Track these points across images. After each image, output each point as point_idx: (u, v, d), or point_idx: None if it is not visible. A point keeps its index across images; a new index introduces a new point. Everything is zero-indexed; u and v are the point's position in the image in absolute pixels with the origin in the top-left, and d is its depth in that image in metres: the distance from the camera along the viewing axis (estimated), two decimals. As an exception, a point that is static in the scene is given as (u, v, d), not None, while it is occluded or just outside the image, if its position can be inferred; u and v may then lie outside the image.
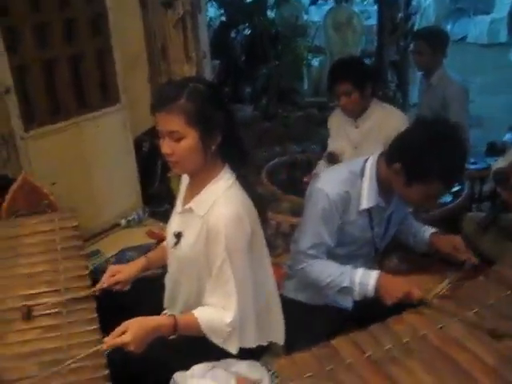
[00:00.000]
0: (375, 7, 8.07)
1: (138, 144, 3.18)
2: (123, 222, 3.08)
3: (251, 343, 1.58)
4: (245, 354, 1.56)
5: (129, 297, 1.77)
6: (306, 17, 6.66)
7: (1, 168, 2.63)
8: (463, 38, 8.89)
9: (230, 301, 1.49)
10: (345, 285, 1.78)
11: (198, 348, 1.53)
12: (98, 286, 1.70)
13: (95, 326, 1.55)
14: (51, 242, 1.91)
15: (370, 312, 1.77)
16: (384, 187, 1.81)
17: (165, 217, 3.27)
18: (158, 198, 3.25)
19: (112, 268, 1.76)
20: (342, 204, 1.79)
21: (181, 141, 1.48)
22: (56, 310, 1.61)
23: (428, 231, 1.98)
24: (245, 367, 1.54)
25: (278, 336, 1.70)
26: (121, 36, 2.91)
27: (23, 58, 2.51)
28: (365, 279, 1.76)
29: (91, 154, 2.89)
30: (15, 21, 2.46)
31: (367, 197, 1.80)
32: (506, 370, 1.26)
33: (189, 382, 1.47)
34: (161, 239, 2.94)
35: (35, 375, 1.36)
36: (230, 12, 5.05)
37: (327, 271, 1.81)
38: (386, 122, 2.55)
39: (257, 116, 4.95)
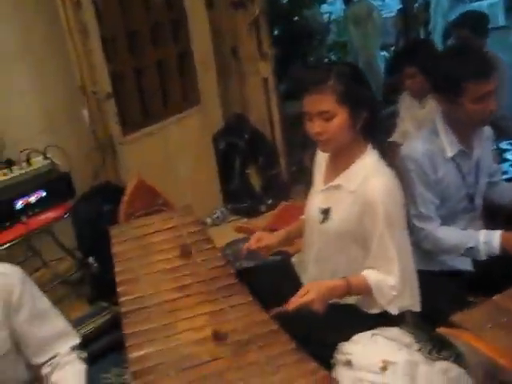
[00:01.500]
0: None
1: (214, 143, 3.24)
2: (209, 220, 3.14)
3: (414, 307, 1.64)
4: (387, 321, 1.61)
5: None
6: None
7: (94, 174, 2.69)
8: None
9: (392, 266, 1.56)
10: (470, 245, 1.83)
11: (349, 320, 1.60)
12: (245, 248, 1.78)
13: (258, 307, 1.58)
14: (179, 237, 1.94)
15: (490, 274, 1.80)
16: (459, 130, 1.87)
17: (246, 213, 3.37)
18: (237, 194, 3.30)
19: (258, 234, 1.83)
20: (429, 160, 1.86)
21: (332, 120, 1.56)
22: (211, 298, 1.64)
23: None
24: (396, 332, 1.61)
25: (416, 304, 1.74)
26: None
27: (118, 66, 2.59)
28: (489, 238, 1.81)
29: (176, 156, 2.96)
30: (110, 29, 2.55)
31: (449, 145, 1.87)
32: None
33: (354, 348, 1.53)
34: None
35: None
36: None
37: (451, 235, 1.87)
38: None
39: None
